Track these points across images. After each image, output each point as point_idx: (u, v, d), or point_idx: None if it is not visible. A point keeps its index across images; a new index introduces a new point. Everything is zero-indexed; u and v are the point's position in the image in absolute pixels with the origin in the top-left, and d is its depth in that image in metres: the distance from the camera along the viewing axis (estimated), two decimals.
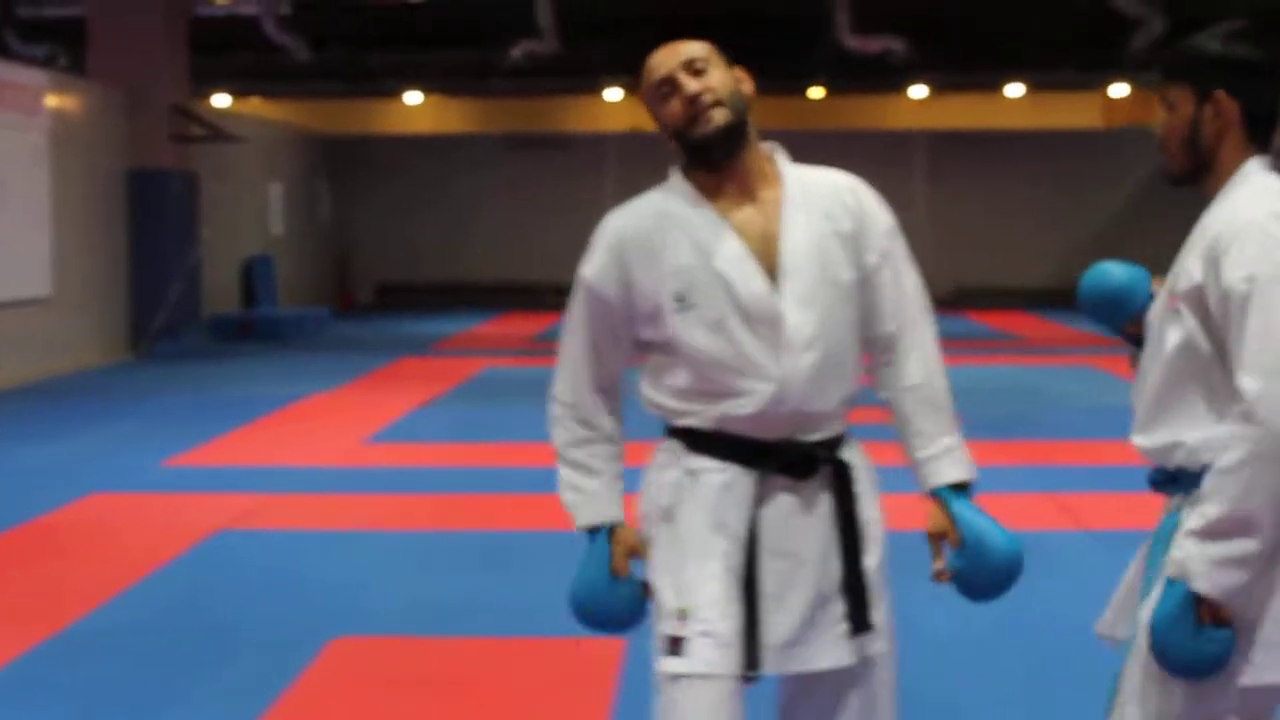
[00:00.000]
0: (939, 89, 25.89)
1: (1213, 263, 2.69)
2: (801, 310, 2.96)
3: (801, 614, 2.97)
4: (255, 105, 25.96)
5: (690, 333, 2.97)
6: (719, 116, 2.99)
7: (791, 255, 2.99)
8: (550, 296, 25.44)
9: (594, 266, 3.09)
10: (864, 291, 3.08)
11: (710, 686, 2.90)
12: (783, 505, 3.00)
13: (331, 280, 26.45)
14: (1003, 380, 14.86)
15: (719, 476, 2.99)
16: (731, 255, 2.97)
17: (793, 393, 2.95)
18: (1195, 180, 2.87)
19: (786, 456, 2.99)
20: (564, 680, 5.34)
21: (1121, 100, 27.38)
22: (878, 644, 3.06)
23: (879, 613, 3.07)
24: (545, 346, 18.25)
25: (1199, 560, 2.64)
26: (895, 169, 26.93)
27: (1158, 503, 2.91)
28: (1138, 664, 2.79)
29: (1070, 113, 27.58)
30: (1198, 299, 2.72)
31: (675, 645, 2.93)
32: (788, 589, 2.97)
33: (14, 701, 5.15)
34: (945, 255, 26.79)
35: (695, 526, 2.99)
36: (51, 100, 15.92)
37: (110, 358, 17.14)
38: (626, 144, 26.59)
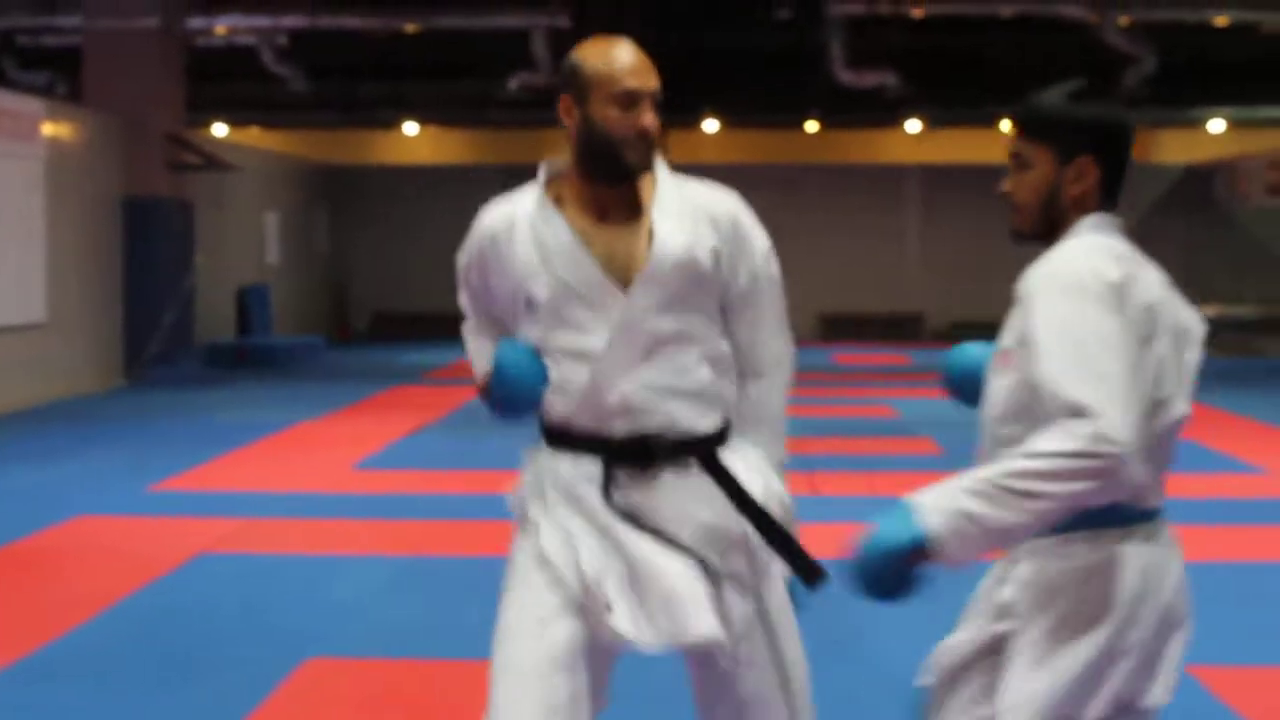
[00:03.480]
0: (933, 123, 25.97)
1: (1021, 312, 2.75)
2: (648, 313, 3.04)
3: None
4: (253, 135, 26.03)
5: (535, 333, 3.12)
6: (650, 160, 3.08)
7: (655, 263, 3.03)
8: None
9: (464, 256, 3.27)
10: (726, 311, 3.17)
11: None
12: (633, 491, 3.06)
13: (327, 309, 26.47)
14: None
15: (572, 469, 3.10)
16: (568, 253, 3.05)
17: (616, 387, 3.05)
18: (1045, 239, 2.84)
19: (624, 451, 3.07)
20: None
21: None
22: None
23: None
24: None
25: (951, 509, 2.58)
26: (889, 202, 27.01)
27: None
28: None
29: None
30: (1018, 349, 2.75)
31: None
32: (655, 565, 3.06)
33: None
34: (938, 289, 26.84)
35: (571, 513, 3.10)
36: (48, 128, 15.98)
37: (105, 384, 17.17)
38: None
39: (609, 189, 3.08)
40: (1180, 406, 2.74)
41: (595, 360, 3.03)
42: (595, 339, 3.03)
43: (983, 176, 30.05)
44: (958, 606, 2.97)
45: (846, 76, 23.61)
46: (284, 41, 23.34)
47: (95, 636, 6.28)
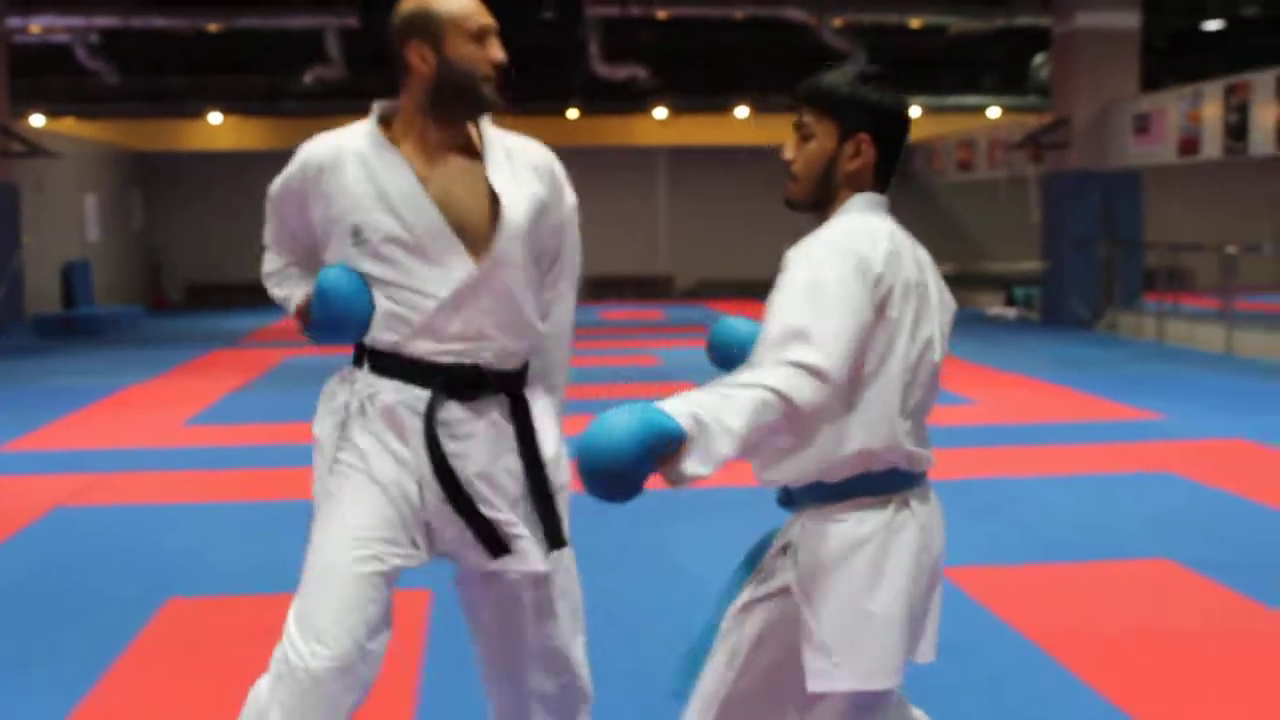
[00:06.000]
0: (678, 110, 26.20)
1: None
2: (493, 270, 2.82)
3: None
4: (69, 125, 24.95)
5: (362, 264, 2.81)
6: (500, 94, 2.84)
7: (504, 231, 2.81)
8: None
9: (278, 185, 2.98)
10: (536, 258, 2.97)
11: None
12: (456, 423, 2.84)
13: (144, 281, 25.59)
14: None
15: (392, 396, 2.84)
16: (407, 193, 2.78)
17: (464, 315, 2.81)
18: (817, 209, 2.65)
19: (452, 377, 2.82)
20: None
21: None
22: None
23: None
24: None
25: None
26: (641, 179, 27.18)
27: None
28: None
29: (788, 132, 28.09)
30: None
31: None
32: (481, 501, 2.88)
33: None
34: (685, 254, 27.14)
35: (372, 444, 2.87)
36: None
37: None
38: None
39: (452, 130, 2.83)
40: (923, 381, 2.55)
41: (438, 303, 2.78)
42: (435, 283, 2.78)
43: (720, 156, 30.70)
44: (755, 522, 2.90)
45: (603, 70, 23.67)
46: (96, 39, 22.47)
47: None
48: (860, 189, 2.61)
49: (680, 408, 2.22)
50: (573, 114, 26.17)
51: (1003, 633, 5.12)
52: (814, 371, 2.30)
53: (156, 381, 13.67)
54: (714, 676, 2.62)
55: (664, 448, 2.17)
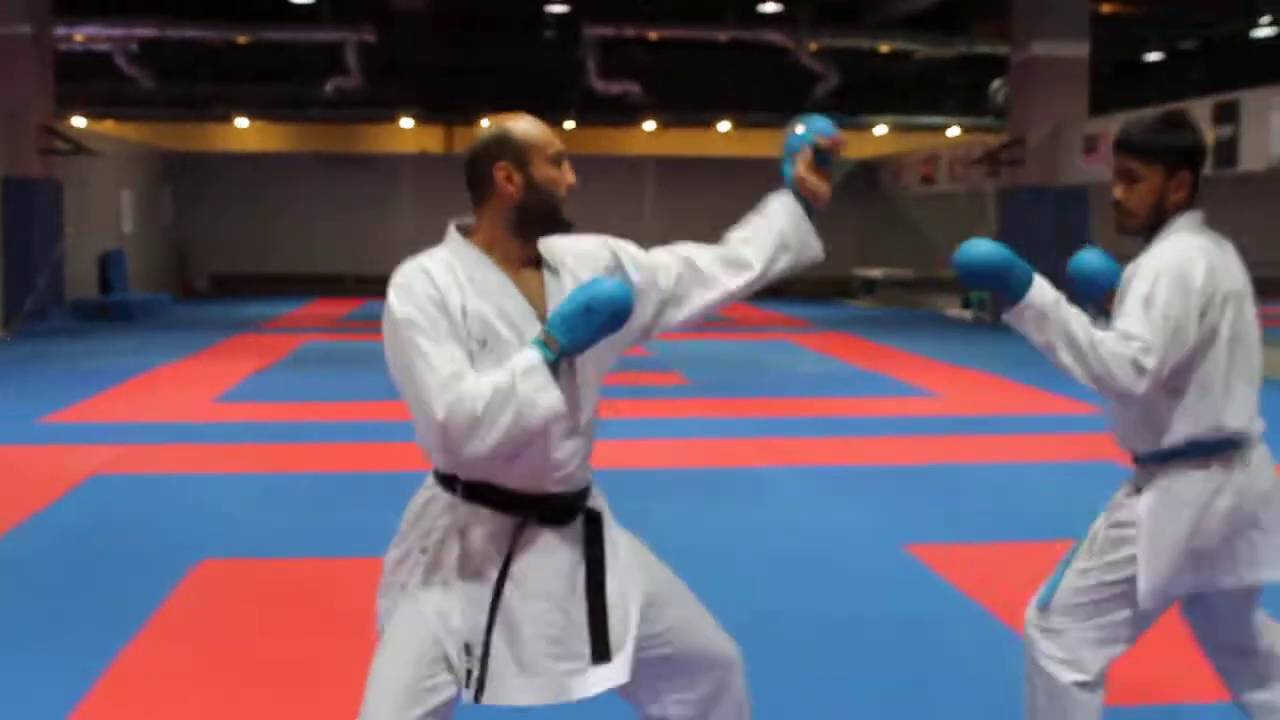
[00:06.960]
0: (665, 124, 26.18)
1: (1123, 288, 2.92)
2: (586, 386, 2.65)
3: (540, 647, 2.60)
4: (108, 126, 24.84)
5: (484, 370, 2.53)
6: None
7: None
8: (352, 285, 25.11)
9: (423, 292, 2.55)
10: (665, 290, 2.86)
11: None
12: (540, 549, 2.61)
13: (173, 271, 25.47)
14: (722, 352, 15.13)
15: (485, 527, 2.58)
16: (522, 315, 2.59)
17: (557, 452, 2.60)
18: (1151, 232, 2.96)
19: (548, 507, 2.62)
20: None
21: None
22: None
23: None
24: (353, 325, 17.94)
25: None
26: (631, 187, 27.13)
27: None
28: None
29: (766, 145, 28.10)
30: None
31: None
32: (539, 623, 2.60)
33: None
34: None
35: (465, 570, 2.60)
36: None
37: None
38: (417, 163, 26.26)
39: (530, 248, 2.67)
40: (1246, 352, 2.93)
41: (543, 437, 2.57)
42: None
43: (703, 166, 30.49)
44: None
45: (599, 85, 23.64)
46: (135, 48, 22.40)
47: (6, 550, 5.92)
48: (1182, 210, 2.93)
49: (1045, 285, 2.94)
50: (569, 125, 26.13)
51: (963, 604, 5.12)
52: (1139, 366, 2.78)
53: (185, 362, 13.59)
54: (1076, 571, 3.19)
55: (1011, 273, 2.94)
